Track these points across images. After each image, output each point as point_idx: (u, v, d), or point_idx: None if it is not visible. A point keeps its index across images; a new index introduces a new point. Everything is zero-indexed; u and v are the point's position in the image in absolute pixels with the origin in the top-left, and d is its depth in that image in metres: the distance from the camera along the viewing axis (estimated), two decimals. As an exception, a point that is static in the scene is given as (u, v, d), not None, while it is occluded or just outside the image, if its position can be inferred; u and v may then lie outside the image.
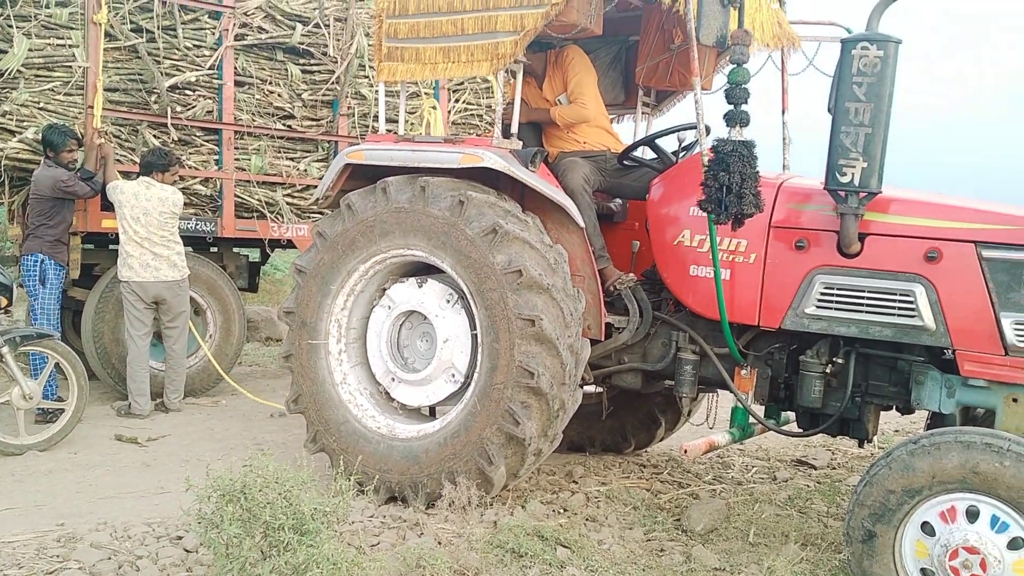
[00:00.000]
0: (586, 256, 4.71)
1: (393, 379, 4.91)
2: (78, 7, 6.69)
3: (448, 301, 4.74)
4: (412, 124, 7.61)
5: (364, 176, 4.95)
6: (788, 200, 4.34)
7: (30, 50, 6.50)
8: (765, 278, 4.32)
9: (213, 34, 7.31)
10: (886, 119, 3.85)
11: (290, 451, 5.54)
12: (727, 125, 3.88)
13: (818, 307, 4.18)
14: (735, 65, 3.86)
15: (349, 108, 8.00)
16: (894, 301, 4.00)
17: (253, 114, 7.50)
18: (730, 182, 3.82)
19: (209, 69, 7.28)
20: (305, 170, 7.84)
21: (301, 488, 3.35)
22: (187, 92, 7.25)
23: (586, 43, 5.31)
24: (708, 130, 4.34)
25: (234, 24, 7.31)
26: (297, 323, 5.02)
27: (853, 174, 3.89)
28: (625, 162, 5.13)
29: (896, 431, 6.88)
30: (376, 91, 7.00)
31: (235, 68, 7.38)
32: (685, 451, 4.33)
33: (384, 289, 4.95)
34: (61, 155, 6.40)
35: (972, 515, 3.30)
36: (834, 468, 5.95)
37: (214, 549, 3.29)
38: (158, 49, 7.04)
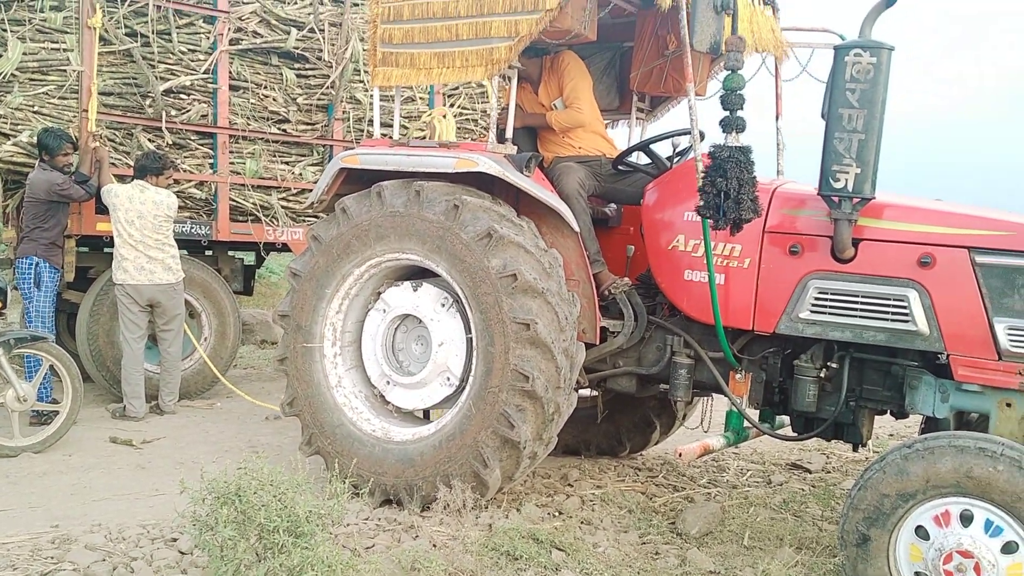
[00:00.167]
0: (581, 260, 4.72)
1: (388, 382, 4.92)
2: (73, 11, 6.69)
3: (443, 305, 4.74)
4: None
5: (359, 180, 4.96)
6: (782, 205, 4.35)
7: (25, 54, 6.51)
8: (759, 283, 4.33)
9: (208, 38, 7.32)
10: (879, 125, 3.87)
11: (285, 454, 5.53)
12: (723, 131, 3.90)
13: (812, 312, 4.19)
14: (730, 71, 3.87)
15: (344, 112, 8.02)
16: (888, 306, 4.01)
17: (248, 118, 7.51)
18: (728, 188, 3.83)
19: (204, 73, 7.29)
20: (300, 174, 7.85)
21: (296, 491, 3.35)
22: (182, 96, 7.26)
23: (580, 49, 5.34)
24: (702, 135, 4.38)
25: (229, 28, 7.33)
26: (292, 326, 5.02)
27: (847, 180, 3.90)
28: (620, 167, 5.15)
29: (891, 435, 6.89)
30: (371, 96, 7.03)
31: (230, 72, 7.39)
32: (680, 455, 4.34)
33: (379, 293, 4.95)
34: (56, 158, 6.40)
35: (966, 519, 3.31)
36: (828, 472, 5.96)
37: (209, 551, 3.30)
38: (153, 53, 7.05)
